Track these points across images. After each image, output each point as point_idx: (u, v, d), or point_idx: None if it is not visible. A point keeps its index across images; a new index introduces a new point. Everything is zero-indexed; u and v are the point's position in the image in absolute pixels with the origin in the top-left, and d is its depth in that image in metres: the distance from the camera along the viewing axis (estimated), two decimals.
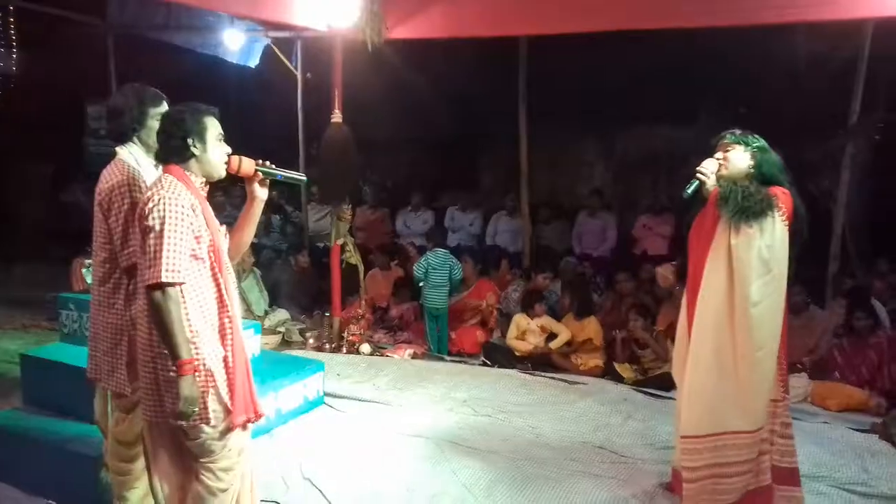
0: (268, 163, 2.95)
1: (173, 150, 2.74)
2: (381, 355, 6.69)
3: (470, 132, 10.27)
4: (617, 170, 10.14)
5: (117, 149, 3.19)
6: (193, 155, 2.75)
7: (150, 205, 2.61)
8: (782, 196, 3.34)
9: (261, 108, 10.36)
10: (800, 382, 5.55)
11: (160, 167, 2.85)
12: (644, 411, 5.20)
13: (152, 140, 3.10)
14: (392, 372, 6.05)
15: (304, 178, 3.05)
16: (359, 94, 7.22)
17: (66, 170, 10.51)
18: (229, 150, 2.86)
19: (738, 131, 3.52)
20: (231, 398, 2.72)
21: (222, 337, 2.75)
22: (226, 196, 8.63)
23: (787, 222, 3.33)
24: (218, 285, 2.76)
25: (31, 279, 9.32)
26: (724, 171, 3.49)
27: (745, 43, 7.09)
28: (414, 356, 6.68)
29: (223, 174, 2.86)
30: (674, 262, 6.26)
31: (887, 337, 5.72)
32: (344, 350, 6.74)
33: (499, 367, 6.36)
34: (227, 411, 2.72)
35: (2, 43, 10.21)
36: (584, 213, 8.51)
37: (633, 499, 3.91)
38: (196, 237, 2.67)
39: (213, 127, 2.80)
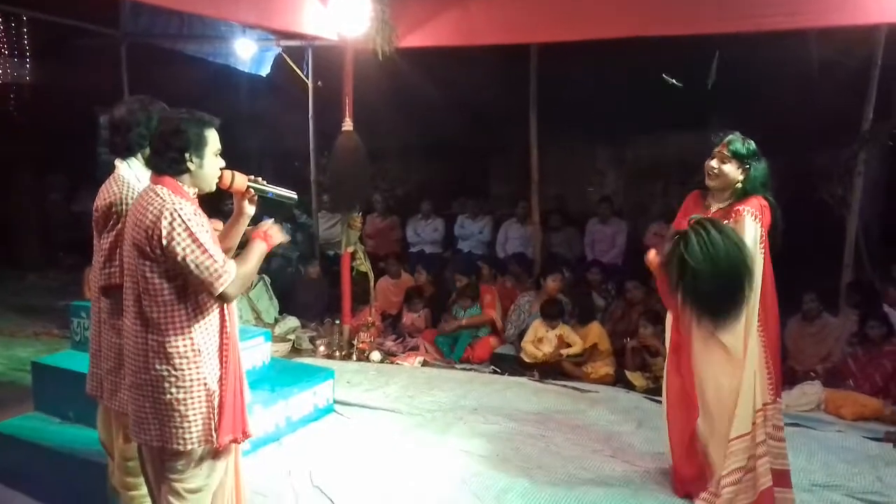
0: (260, 179, 2.89)
1: (168, 162, 2.64)
2: (391, 363, 6.68)
3: (480, 140, 10.26)
4: (628, 177, 10.11)
5: (117, 162, 3.09)
6: (189, 170, 2.67)
7: (165, 222, 2.52)
8: (761, 207, 3.55)
9: (272, 117, 10.40)
10: (813, 390, 5.51)
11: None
12: (656, 419, 5.13)
13: None
14: (402, 380, 6.05)
15: (295, 196, 2.98)
16: (369, 103, 7.24)
17: (79, 179, 10.58)
18: (223, 164, 2.78)
19: (737, 141, 3.64)
20: (220, 419, 2.67)
21: (220, 355, 2.70)
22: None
23: (763, 232, 3.54)
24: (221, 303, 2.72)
25: (43, 287, 9.41)
26: (714, 183, 3.68)
27: (756, 49, 7.06)
28: (424, 364, 6.68)
29: (213, 189, 2.79)
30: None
31: None
32: (354, 358, 6.74)
33: (508, 375, 6.34)
34: (212, 434, 2.67)
35: (15, 53, 10.31)
36: (594, 221, 8.48)
37: None
38: None
39: (213, 141, 2.71)
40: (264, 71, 8.86)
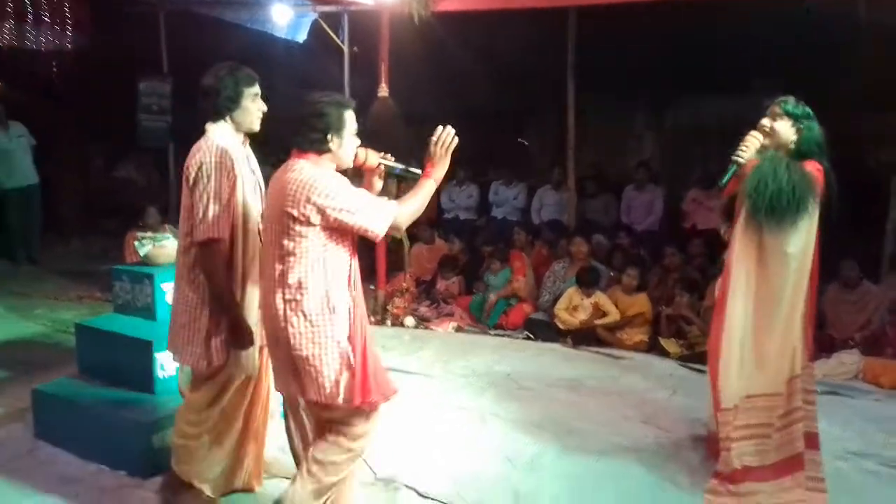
0: (388, 156, 3.09)
1: (312, 142, 2.82)
2: (425, 328, 6.73)
3: (516, 105, 10.16)
4: (666, 142, 9.95)
5: (207, 125, 3.22)
6: (330, 149, 2.84)
7: (321, 186, 2.70)
8: (816, 171, 3.42)
9: (308, 83, 10.37)
10: (851, 359, 5.44)
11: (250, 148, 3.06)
12: (690, 387, 5.14)
13: (245, 120, 3.22)
14: (436, 345, 6.10)
15: (420, 172, 3.06)
16: (405, 68, 7.20)
17: (119, 146, 10.73)
18: (359, 142, 2.97)
19: (791, 101, 3.55)
20: (361, 377, 2.81)
21: (350, 313, 2.84)
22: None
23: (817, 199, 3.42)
24: (350, 263, 2.88)
25: (85, 252, 9.62)
26: (767, 141, 3.57)
27: (801, 10, 6.87)
28: (458, 329, 6.71)
29: (351, 165, 2.97)
30: None
31: None
32: (388, 323, 6.81)
33: (542, 341, 6.35)
34: (352, 393, 2.81)
35: (57, 21, 10.45)
36: (631, 187, 8.37)
37: (679, 474, 3.88)
38: None
39: (351, 122, 2.89)
40: (301, 37, 8.85)
